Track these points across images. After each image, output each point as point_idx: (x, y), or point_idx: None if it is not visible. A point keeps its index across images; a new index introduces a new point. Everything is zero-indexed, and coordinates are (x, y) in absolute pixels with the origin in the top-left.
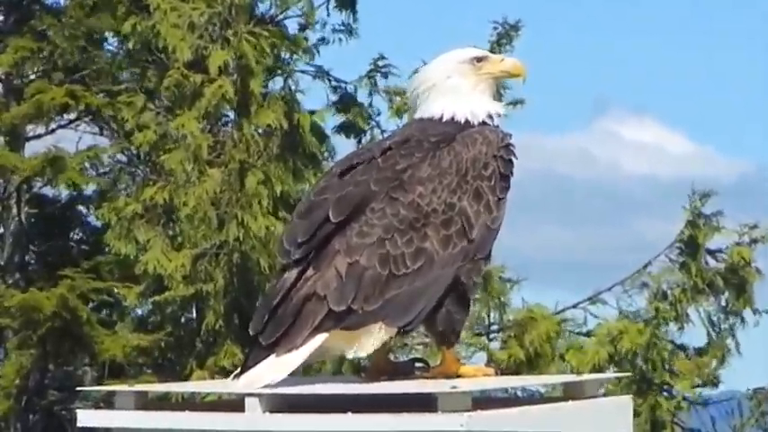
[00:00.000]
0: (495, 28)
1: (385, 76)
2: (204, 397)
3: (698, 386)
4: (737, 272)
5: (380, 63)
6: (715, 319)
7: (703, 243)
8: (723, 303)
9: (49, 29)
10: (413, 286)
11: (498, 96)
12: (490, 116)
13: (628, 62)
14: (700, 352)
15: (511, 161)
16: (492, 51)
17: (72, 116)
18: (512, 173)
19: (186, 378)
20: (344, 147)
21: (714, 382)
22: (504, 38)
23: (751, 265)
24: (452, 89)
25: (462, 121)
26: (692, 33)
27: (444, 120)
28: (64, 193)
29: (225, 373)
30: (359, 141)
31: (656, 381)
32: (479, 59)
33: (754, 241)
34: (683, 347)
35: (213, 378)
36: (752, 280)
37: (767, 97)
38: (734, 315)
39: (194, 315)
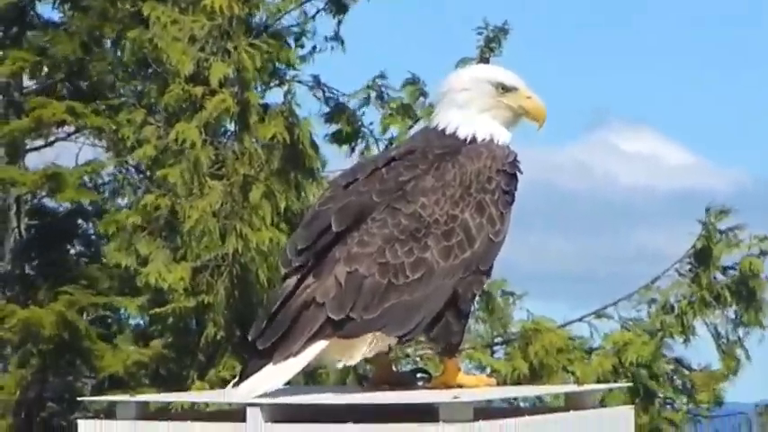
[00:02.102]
0: (480, 33)
1: (381, 98)
2: (205, 407)
3: (707, 402)
4: (747, 283)
5: (379, 82)
6: (722, 331)
7: (719, 256)
8: (732, 316)
9: (49, 41)
10: (413, 296)
11: (509, 125)
12: (493, 139)
13: (626, 73)
14: (706, 367)
15: (515, 176)
16: (482, 56)
17: (71, 129)
18: (515, 188)
19: (187, 389)
20: (336, 156)
21: (719, 401)
22: (492, 41)
23: (761, 276)
24: (464, 103)
25: (467, 138)
26: (690, 46)
27: (448, 133)
28: (64, 204)
29: (225, 384)
30: (352, 150)
31: (660, 394)
32: (506, 89)
33: (764, 253)
34: (685, 365)
35: (213, 389)
36: (762, 290)
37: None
38: (743, 326)
39: (194, 327)
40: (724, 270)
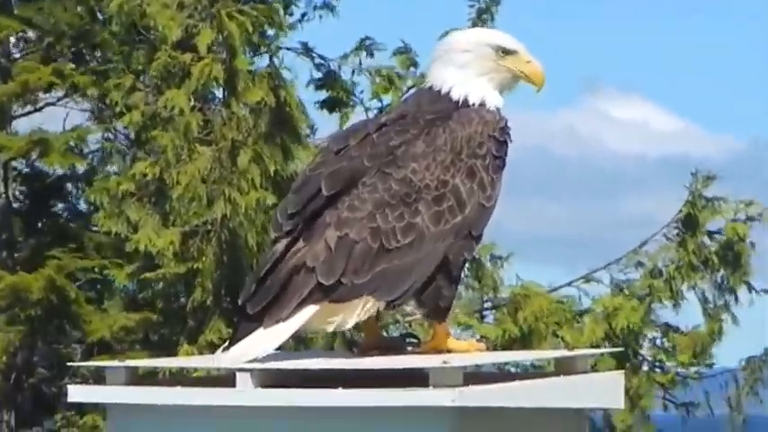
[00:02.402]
0: (473, 5)
1: (371, 54)
2: (195, 372)
3: (693, 364)
4: (733, 247)
5: (367, 42)
6: (709, 296)
7: (704, 223)
8: (718, 281)
9: (38, 10)
10: (403, 261)
11: (505, 89)
12: (485, 103)
13: (618, 42)
14: (693, 329)
15: (506, 143)
16: (474, 26)
17: (60, 93)
18: (506, 154)
19: (176, 354)
20: (326, 122)
21: (709, 363)
22: (484, 13)
23: (746, 240)
24: (463, 64)
25: (459, 100)
26: (683, 12)
27: (443, 93)
28: (54, 170)
29: (213, 348)
30: (342, 117)
31: (649, 358)
32: (506, 51)
33: (750, 219)
34: (675, 328)
35: (201, 354)
36: (747, 254)
37: (758, 75)
38: (728, 292)
39: (183, 292)
40: (710, 235)
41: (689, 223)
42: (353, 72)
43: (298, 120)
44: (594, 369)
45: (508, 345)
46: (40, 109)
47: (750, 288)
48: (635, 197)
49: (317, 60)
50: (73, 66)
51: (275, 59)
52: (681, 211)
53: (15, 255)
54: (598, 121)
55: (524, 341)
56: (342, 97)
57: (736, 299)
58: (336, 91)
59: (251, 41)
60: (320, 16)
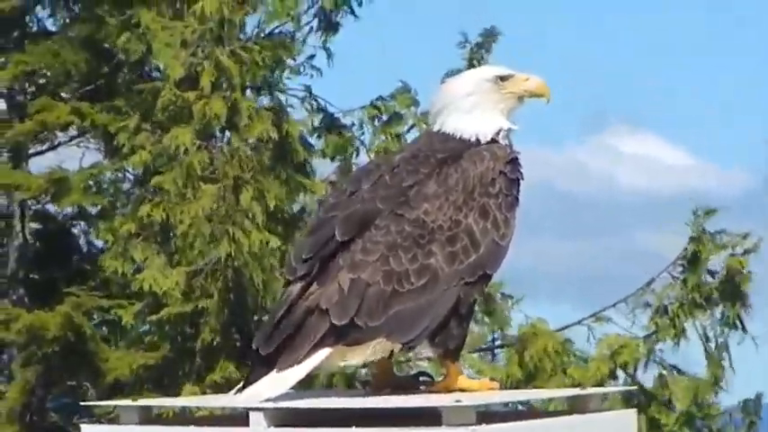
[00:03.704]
0: (463, 47)
1: (379, 113)
2: (197, 411)
3: (691, 414)
4: (733, 279)
5: (378, 104)
6: (711, 334)
7: (707, 258)
8: (719, 316)
9: (51, 47)
10: (417, 302)
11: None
12: (498, 133)
13: (627, 76)
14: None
15: (518, 180)
16: (471, 60)
17: (75, 132)
18: (518, 191)
19: (179, 395)
20: (324, 166)
21: (708, 413)
22: (481, 47)
23: (743, 273)
24: (471, 107)
25: (472, 140)
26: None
27: (455, 136)
28: (67, 209)
29: (220, 388)
30: (344, 161)
31: (657, 396)
32: (503, 78)
33: (747, 251)
34: (677, 368)
35: (204, 393)
36: (746, 284)
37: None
38: (729, 327)
39: (191, 332)
40: (711, 273)
41: (692, 260)
42: (359, 124)
43: (299, 152)
44: (603, 407)
45: (515, 384)
46: (55, 147)
47: (744, 329)
48: (647, 233)
49: (318, 106)
50: (89, 104)
51: (277, 95)
52: (686, 248)
53: (32, 295)
54: (607, 157)
55: (531, 380)
56: (342, 143)
57: (740, 328)
58: (338, 137)
59: (254, 79)
60: (319, 69)
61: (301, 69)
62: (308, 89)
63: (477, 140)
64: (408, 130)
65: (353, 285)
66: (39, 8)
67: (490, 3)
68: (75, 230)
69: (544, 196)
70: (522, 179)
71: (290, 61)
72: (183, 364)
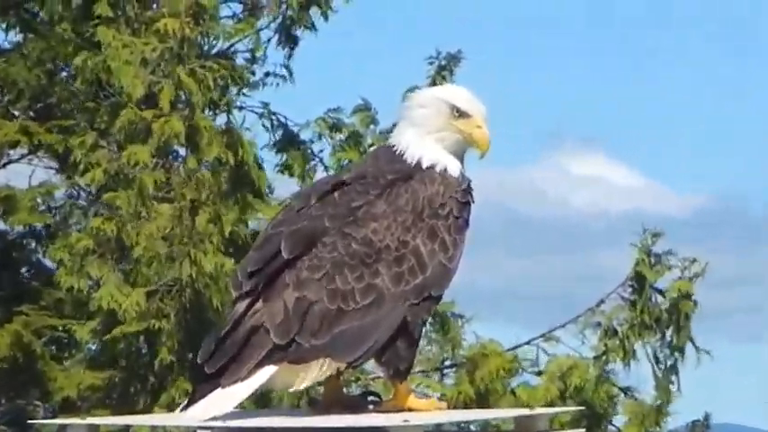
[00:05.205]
0: (432, 62)
1: (336, 124)
2: (155, 430)
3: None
4: (678, 305)
5: (333, 115)
6: (661, 356)
7: (654, 280)
8: (668, 339)
9: (5, 64)
10: (362, 322)
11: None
12: (444, 167)
13: (580, 96)
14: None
15: (468, 203)
16: (433, 83)
17: (25, 150)
18: (469, 214)
19: (137, 413)
20: (286, 184)
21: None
22: (444, 69)
23: (691, 298)
24: (418, 121)
25: (413, 162)
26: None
27: (398, 153)
28: (16, 228)
29: (173, 407)
30: (302, 180)
31: (606, 417)
32: (460, 113)
33: (696, 276)
34: (628, 390)
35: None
36: (690, 313)
37: (717, 133)
38: (676, 351)
39: (146, 351)
40: (660, 293)
41: (639, 281)
42: (316, 137)
43: (256, 177)
44: (552, 428)
45: (465, 404)
46: (4, 166)
47: (697, 348)
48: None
49: (277, 122)
50: (37, 123)
51: (233, 117)
52: (633, 270)
53: None
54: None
55: (481, 400)
56: (301, 161)
57: (683, 355)
58: (296, 154)
59: (212, 98)
60: (282, 78)
61: (259, 86)
62: (266, 106)
63: (419, 165)
64: (368, 148)
65: (298, 304)
66: None
67: (455, 25)
68: (25, 249)
69: (497, 216)
70: (473, 202)
71: (249, 76)
72: (136, 382)
